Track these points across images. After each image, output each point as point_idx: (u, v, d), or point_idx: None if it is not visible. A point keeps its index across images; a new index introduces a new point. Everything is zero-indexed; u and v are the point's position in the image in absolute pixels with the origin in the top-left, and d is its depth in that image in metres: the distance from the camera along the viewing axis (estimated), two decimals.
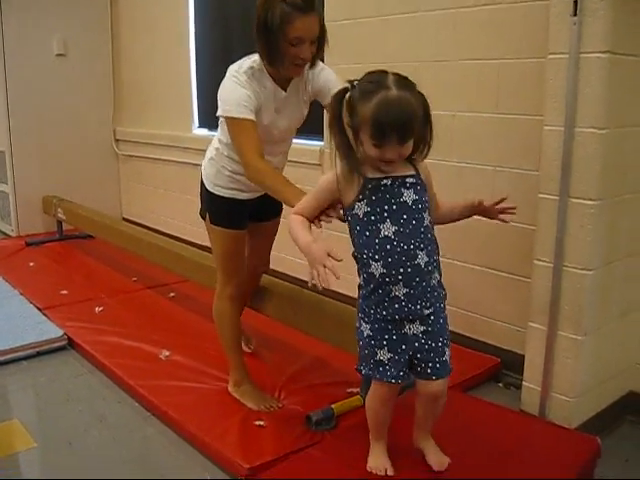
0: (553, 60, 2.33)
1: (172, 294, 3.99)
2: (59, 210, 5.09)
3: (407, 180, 1.85)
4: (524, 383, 2.62)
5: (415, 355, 1.93)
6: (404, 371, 1.94)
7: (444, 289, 1.98)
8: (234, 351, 2.69)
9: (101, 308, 3.73)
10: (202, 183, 2.57)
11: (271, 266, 2.93)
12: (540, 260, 2.47)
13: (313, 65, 2.31)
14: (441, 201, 2.05)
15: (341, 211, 1.94)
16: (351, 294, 3.47)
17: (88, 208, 4.98)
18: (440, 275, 1.96)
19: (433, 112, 1.81)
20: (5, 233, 5.79)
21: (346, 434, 2.40)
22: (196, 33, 4.87)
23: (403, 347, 1.91)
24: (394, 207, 1.84)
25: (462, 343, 3.07)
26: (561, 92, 2.30)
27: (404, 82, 1.75)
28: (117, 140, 5.91)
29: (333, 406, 2.52)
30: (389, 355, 1.92)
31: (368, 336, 1.94)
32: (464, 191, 3.01)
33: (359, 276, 1.96)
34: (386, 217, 1.83)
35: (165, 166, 5.30)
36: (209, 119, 4.87)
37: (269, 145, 2.36)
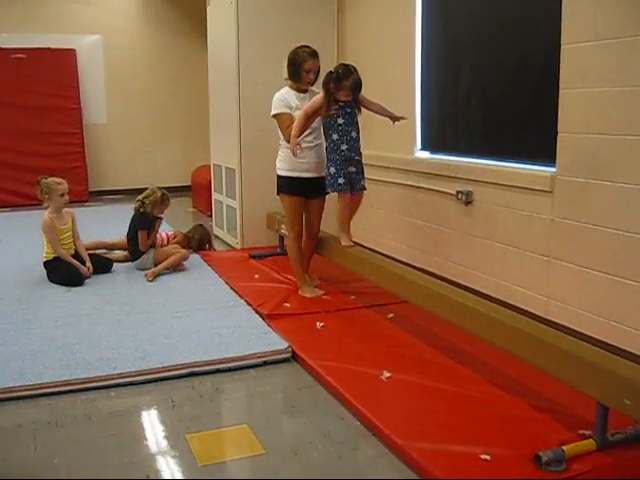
0: None
1: (391, 315, 3.99)
2: (282, 226, 5.31)
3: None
4: None
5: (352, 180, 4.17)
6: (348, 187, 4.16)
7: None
8: (298, 266, 4.50)
9: (322, 324, 3.83)
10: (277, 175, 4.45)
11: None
12: None
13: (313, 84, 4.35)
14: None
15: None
16: (592, 334, 3.32)
17: None
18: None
19: None
20: (231, 245, 6.18)
21: None
22: (422, 59, 4.88)
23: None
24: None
25: None
26: None
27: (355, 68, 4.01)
28: None
29: (564, 447, 2.38)
30: (343, 180, 4.12)
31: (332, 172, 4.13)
32: None
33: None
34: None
35: (384, 187, 5.35)
36: (431, 142, 4.87)
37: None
